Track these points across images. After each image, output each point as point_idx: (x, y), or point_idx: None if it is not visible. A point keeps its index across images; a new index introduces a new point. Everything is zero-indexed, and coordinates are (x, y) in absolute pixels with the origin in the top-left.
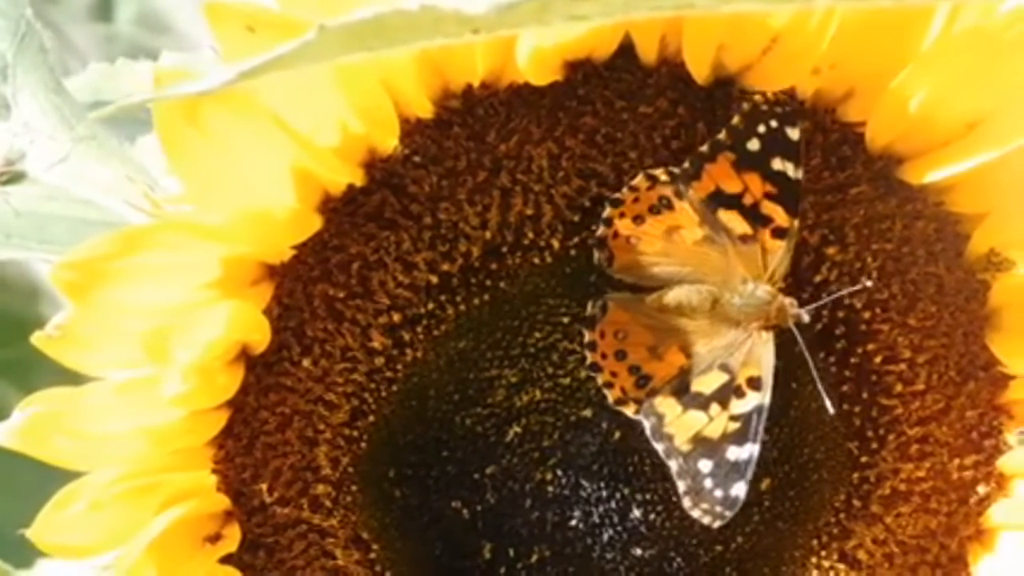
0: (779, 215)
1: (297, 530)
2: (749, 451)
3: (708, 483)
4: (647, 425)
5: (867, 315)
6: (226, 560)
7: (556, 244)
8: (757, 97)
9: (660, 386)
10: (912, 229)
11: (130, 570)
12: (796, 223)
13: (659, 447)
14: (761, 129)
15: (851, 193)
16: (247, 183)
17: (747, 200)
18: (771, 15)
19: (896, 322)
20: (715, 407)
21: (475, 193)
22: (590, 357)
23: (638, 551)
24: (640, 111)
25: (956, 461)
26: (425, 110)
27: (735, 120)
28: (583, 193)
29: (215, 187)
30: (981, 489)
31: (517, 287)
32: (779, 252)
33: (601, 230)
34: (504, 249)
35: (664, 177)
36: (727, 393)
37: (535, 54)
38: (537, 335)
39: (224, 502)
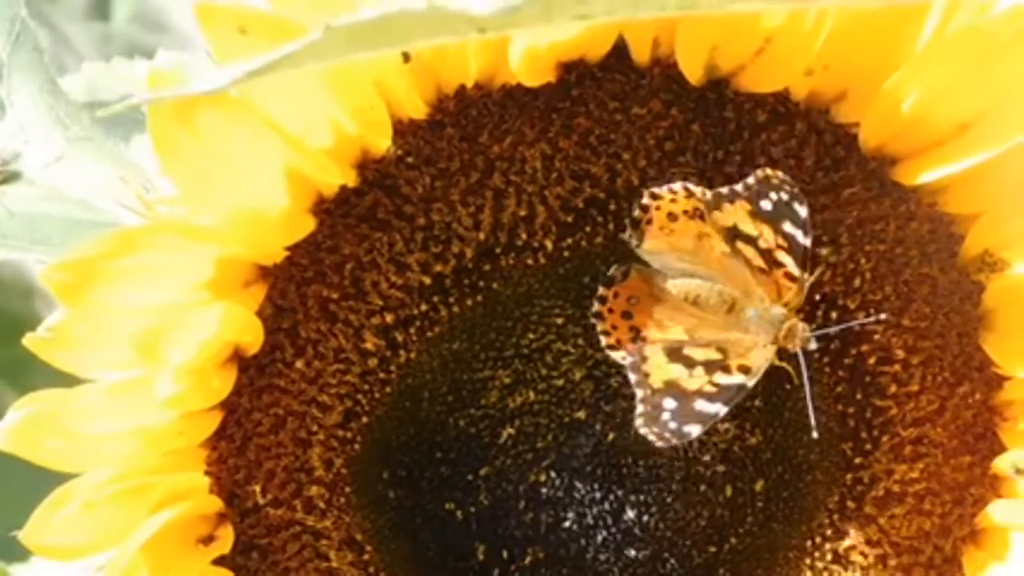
0: (790, 265)
1: (291, 532)
2: (717, 409)
3: (666, 416)
4: (629, 360)
5: (861, 316)
6: (219, 562)
7: (549, 245)
8: (769, 172)
9: (655, 341)
10: (906, 230)
11: (123, 571)
12: (806, 275)
13: (632, 376)
14: (773, 196)
15: (844, 194)
16: (240, 185)
17: (762, 244)
18: (765, 16)
19: (890, 323)
20: (699, 370)
21: (468, 194)
22: (596, 306)
23: (632, 552)
24: (633, 112)
25: (950, 462)
26: (418, 111)
27: (751, 180)
28: (576, 194)
29: (208, 189)
30: (974, 490)
31: (510, 288)
32: (791, 291)
33: (637, 212)
34: (497, 250)
35: (698, 194)
36: (715, 367)
37: (528, 55)
38: (531, 336)
39: (217, 504)
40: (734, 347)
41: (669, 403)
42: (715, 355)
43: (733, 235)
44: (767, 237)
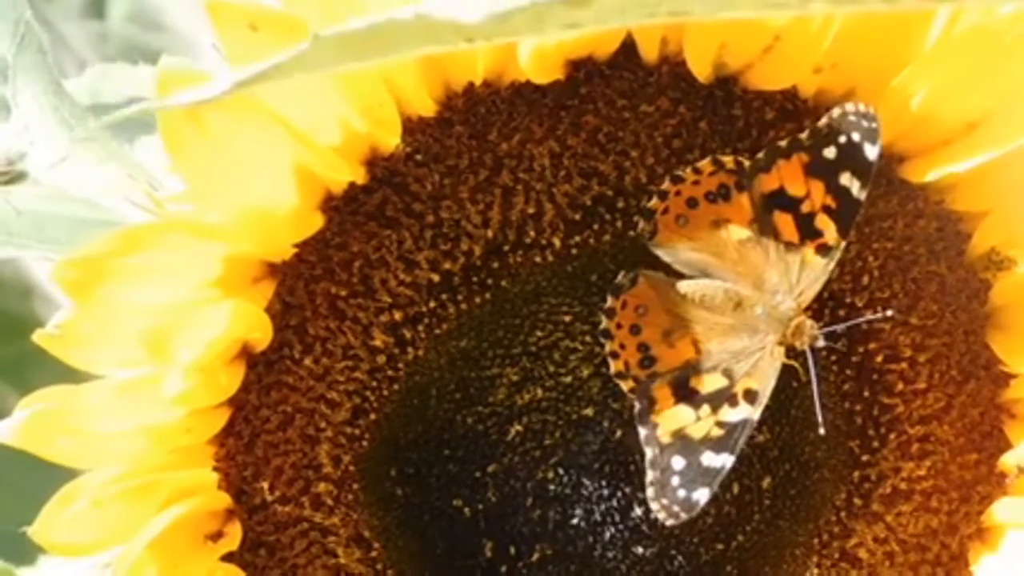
0: (830, 232)
1: (298, 528)
2: (723, 461)
3: (675, 480)
4: (637, 406)
5: (868, 314)
6: (227, 558)
7: (558, 243)
8: (848, 106)
9: (662, 372)
10: (913, 228)
11: (130, 568)
12: (842, 246)
13: (642, 431)
14: (842, 139)
15: None
16: (248, 182)
17: (805, 207)
18: None
19: (897, 321)
20: (705, 408)
21: (477, 191)
22: (605, 323)
23: (639, 549)
24: (642, 110)
25: (957, 460)
26: (427, 108)
27: (821, 122)
28: (585, 192)
29: (216, 186)
30: (981, 488)
31: (519, 286)
32: (816, 270)
33: (654, 202)
34: (506, 248)
35: (731, 165)
36: (721, 399)
37: (537, 53)
38: (539, 334)
39: (225, 500)
40: (741, 361)
41: (678, 462)
42: (721, 381)
43: (772, 204)
44: (815, 197)
